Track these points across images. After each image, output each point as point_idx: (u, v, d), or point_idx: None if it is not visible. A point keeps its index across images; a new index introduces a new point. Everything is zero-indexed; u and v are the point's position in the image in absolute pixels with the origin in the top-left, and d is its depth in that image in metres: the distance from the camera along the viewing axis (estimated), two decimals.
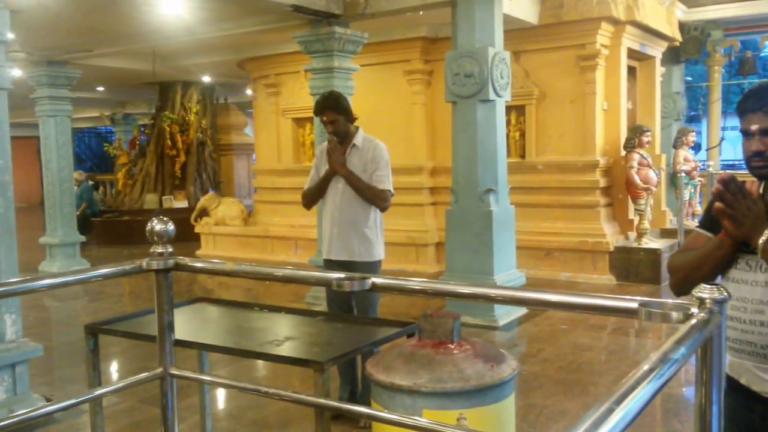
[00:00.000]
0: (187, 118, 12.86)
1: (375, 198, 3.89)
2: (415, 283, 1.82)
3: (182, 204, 12.43)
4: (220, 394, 4.32)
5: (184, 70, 11.19)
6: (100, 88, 13.45)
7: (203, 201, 10.54)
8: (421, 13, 6.99)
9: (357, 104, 7.30)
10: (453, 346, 1.92)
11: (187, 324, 2.18)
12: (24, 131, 17.94)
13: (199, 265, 2.01)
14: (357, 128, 4.02)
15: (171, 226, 2.03)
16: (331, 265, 4.03)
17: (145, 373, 2.07)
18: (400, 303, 6.68)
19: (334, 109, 3.90)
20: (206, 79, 12.42)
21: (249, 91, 13.18)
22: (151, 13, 6.77)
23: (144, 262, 2.01)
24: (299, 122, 9.76)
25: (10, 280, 3.55)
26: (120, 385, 2.07)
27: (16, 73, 8.57)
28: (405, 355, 1.89)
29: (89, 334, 2.26)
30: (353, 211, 3.91)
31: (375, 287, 1.72)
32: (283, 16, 6.58)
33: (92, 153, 22.53)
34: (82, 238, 9.40)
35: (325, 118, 3.91)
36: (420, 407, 1.74)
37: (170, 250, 2.02)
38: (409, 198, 8.67)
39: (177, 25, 7.28)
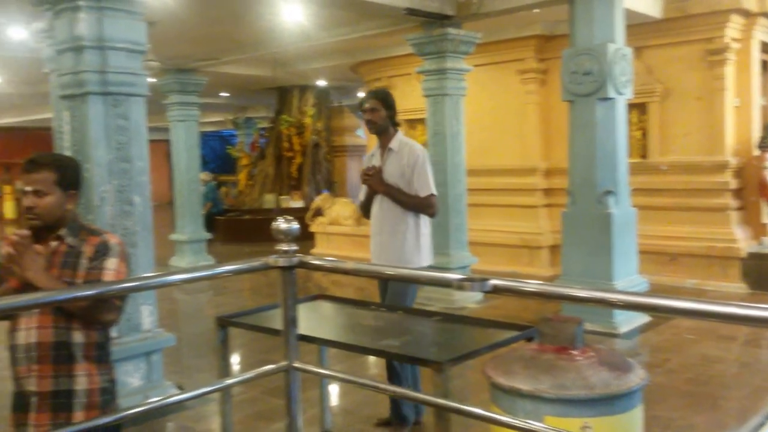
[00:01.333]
0: (303, 121, 13.30)
1: (420, 207, 3.77)
2: (535, 286, 1.79)
3: (298, 204, 12.87)
4: (335, 388, 4.44)
5: (302, 75, 11.58)
6: (225, 94, 14.18)
7: (318, 201, 10.86)
8: (535, 10, 6.85)
9: (469, 105, 7.30)
10: (576, 353, 1.87)
11: (307, 320, 2.26)
12: (155, 135, 19.21)
13: (322, 263, 2.08)
14: (396, 131, 3.92)
15: (296, 226, 2.12)
16: (382, 283, 3.96)
17: (271, 366, 2.17)
18: (512, 306, 6.58)
19: (379, 99, 3.82)
20: (321, 83, 12.80)
21: (361, 94, 13.45)
22: (273, 21, 7.07)
23: (270, 260, 2.11)
24: (411, 124, 9.84)
25: (149, 275, 3.85)
26: (248, 375, 2.18)
27: (150, 80, 9.21)
28: (525, 360, 1.86)
29: (220, 327, 2.39)
30: (393, 220, 3.81)
31: (496, 289, 1.72)
32: (396, 20, 6.67)
33: (216, 155, 23.74)
34: (208, 236, 9.96)
35: (367, 105, 3.82)
36: (542, 413, 1.71)
37: (295, 248, 2.11)
38: (522, 199, 8.52)
39: (296, 32, 7.56)
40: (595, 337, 5.34)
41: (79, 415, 2.25)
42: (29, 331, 2.25)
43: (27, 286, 2.16)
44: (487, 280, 1.69)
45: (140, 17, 4.22)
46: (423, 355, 1.98)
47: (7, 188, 19.79)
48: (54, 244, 2.33)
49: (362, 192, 4.00)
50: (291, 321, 2.11)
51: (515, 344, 2.25)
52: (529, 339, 2.21)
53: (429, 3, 6.24)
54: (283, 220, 2.12)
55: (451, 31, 6.54)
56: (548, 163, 8.50)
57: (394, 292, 3.65)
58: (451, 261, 6.85)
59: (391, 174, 3.77)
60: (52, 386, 2.24)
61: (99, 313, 2.26)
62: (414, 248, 3.77)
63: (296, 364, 2.10)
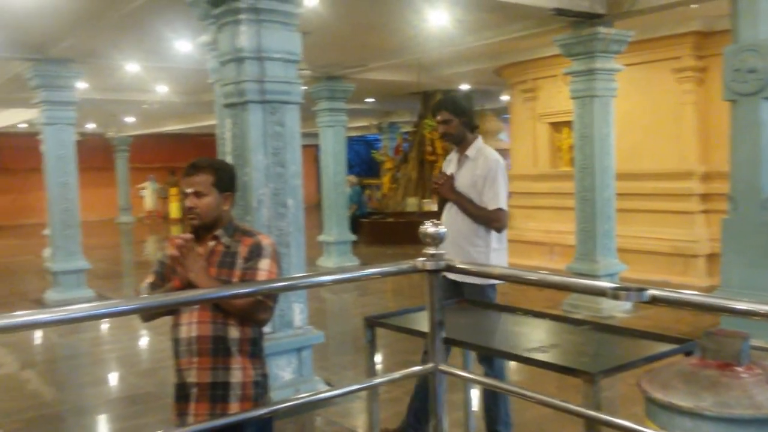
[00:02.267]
0: None
1: (486, 220, 3.56)
2: (697, 297, 1.69)
3: None
4: (476, 392, 4.42)
5: (445, 80, 11.65)
6: (370, 100, 14.56)
7: None
8: (694, 6, 6.42)
9: (619, 106, 6.98)
10: (741, 369, 1.74)
11: (452, 323, 2.28)
12: (304, 140, 20.07)
13: (468, 267, 2.09)
14: (475, 137, 3.73)
15: (443, 230, 2.14)
16: (445, 284, 3.91)
17: (418, 367, 2.21)
18: (665, 317, 6.21)
19: (449, 109, 3.62)
20: (464, 86, 12.79)
21: (504, 97, 13.28)
22: (419, 27, 7.18)
23: (418, 263, 2.14)
24: (556, 126, 9.59)
25: (300, 275, 4.04)
26: (395, 376, 2.23)
27: (302, 88, 9.68)
28: (684, 374, 1.76)
29: (368, 327, 2.47)
30: (461, 230, 3.61)
31: (654, 299, 1.64)
32: (543, 21, 6.54)
33: (361, 159, 24.43)
34: (354, 237, 10.29)
35: (439, 118, 3.66)
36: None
37: (442, 252, 2.13)
38: (677, 205, 8.02)
39: (441, 37, 7.62)
40: (761, 353, 4.90)
41: (234, 406, 2.38)
42: (190, 326, 2.40)
43: (188, 285, 2.32)
44: (644, 289, 1.62)
45: (295, 28, 4.44)
46: (573, 364, 1.92)
47: (173, 190, 21.58)
48: (211, 243, 2.48)
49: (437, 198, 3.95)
50: (437, 324, 2.13)
51: (672, 358, 2.13)
52: (688, 353, 2.08)
53: (579, 2, 6.06)
54: (430, 224, 2.15)
55: (602, 30, 6.30)
56: (706, 167, 7.94)
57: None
58: (599, 268, 6.59)
59: (464, 182, 3.62)
60: (211, 378, 2.38)
61: (252, 312, 2.37)
62: (485, 262, 3.54)
63: (442, 367, 2.12)
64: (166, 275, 2.50)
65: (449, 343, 2.21)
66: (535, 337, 2.35)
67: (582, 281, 1.78)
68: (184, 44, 7.40)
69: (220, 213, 2.48)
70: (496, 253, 3.62)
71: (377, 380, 2.29)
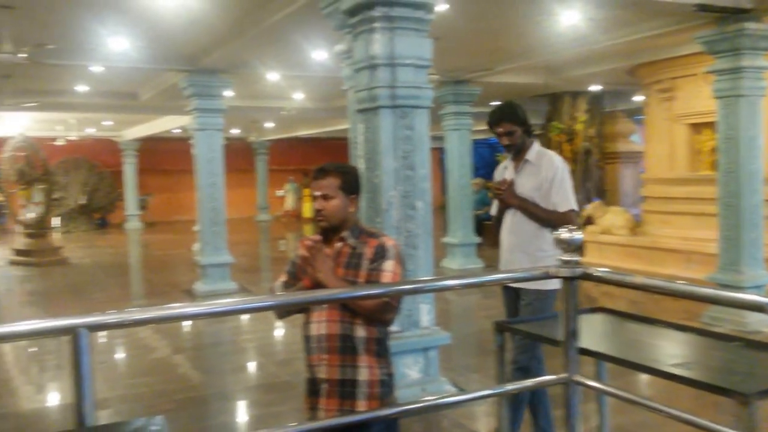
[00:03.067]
0: (574, 128, 12.98)
1: (558, 223, 3.33)
2: None
3: None
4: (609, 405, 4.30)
5: (574, 81, 11.33)
6: (495, 103, 14.39)
7: (589, 209, 10.55)
8: None
9: None
10: None
11: (586, 332, 2.24)
12: (429, 143, 20.29)
13: (607, 275, 2.06)
14: (532, 141, 3.59)
15: (579, 236, 2.11)
16: (508, 295, 3.66)
17: (551, 376, 2.18)
18: None
19: (511, 120, 3.53)
20: (594, 87, 12.37)
21: (638, 98, 12.69)
22: (548, 28, 7.06)
23: (552, 269, 2.14)
24: (696, 128, 9.06)
25: (425, 278, 4.12)
26: (528, 383, 2.24)
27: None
28: None
29: (498, 332, 2.49)
30: (524, 235, 3.52)
31: None
32: (684, 17, 6.22)
33: (484, 162, 24.21)
34: (478, 240, 10.26)
35: (500, 130, 3.55)
36: None
37: (577, 258, 2.11)
38: None
39: (570, 37, 7.45)
40: None
41: (362, 404, 2.47)
42: (320, 324, 2.51)
43: (317, 285, 2.43)
44: None
45: (426, 34, 4.53)
46: (724, 383, 1.80)
47: (306, 191, 22.51)
48: (338, 245, 2.57)
49: (494, 206, 3.79)
50: (572, 333, 2.10)
51: None
52: None
53: None
54: (565, 230, 2.13)
55: (749, 25, 5.91)
56: None
57: (534, 312, 3.41)
58: (744, 279, 6.18)
59: (526, 186, 3.53)
60: (339, 375, 2.48)
61: (378, 311, 2.44)
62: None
63: (577, 378, 2.09)
64: (297, 275, 2.61)
65: (584, 353, 2.18)
66: (676, 351, 2.27)
67: (737, 296, 1.70)
68: (320, 54, 7.72)
69: (347, 215, 2.58)
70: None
71: (509, 387, 2.29)
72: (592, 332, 2.42)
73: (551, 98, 13.19)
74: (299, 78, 9.81)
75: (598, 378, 2.46)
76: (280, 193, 23.93)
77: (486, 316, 6.89)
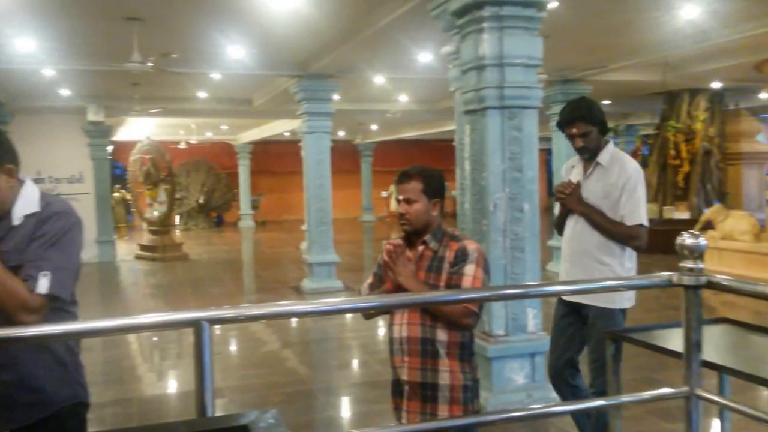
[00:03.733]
0: (692, 127, 12.31)
1: (623, 237, 3.12)
2: None
3: (683, 215, 11.96)
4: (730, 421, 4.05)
5: (694, 78, 10.75)
6: (606, 102, 13.94)
7: (709, 213, 9.96)
8: None
9: None
10: None
11: (708, 344, 2.12)
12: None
13: (735, 284, 1.94)
14: (607, 141, 3.28)
15: (704, 242, 1.99)
16: (563, 308, 3.36)
17: (670, 389, 2.06)
18: None
19: (586, 119, 3.18)
20: (715, 84, 11.68)
21: (764, 95, 11.87)
22: (668, 24, 6.74)
23: (674, 277, 2.02)
24: None
25: (535, 283, 4.04)
26: (644, 396, 2.13)
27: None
28: None
29: (612, 341, 2.40)
30: (589, 247, 3.19)
31: None
32: None
33: None
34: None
35: (574, 131, 3.22)
36: None
37: (701, 266, 1.99)
38: None
39: (691, 32, 7.08)
40: None
41: (443, 408, 2.46)
42: (402, 326, 2.52)
43: (399, 288, 2.45)
44: None
45: (536, 32, 4.45)
46: None
47: None
48: (421, 248, 2.56)
49: (556, 207, 3.52)
50: (695, 345, 1.97)
51: None
52: None
53: None
54: (689, 235, 2.02)
55: None
56: None
57: (595, 331, 3.17)
58: None
59: (594, 192, 3.22)
60: (420, 378, 2.47)
61: (456, 316, 2.42)
62: None
63: (699, 392, 1.98)
64: (383, 276, 2.62)
65: (708, 366, 2.06)
66: None
67: None
68: (426, 56, 7.76)
69: (429, 218, 2.56)
70: (628, 274, 3.22)
71: (624, 398, 2.18)
72: (715, 344, 2.29)
73: (668, 96, 12.57)
74: (404, 80, 9.90)
75: (720, 392, 2.32)
76: (384, 194, 24.25)
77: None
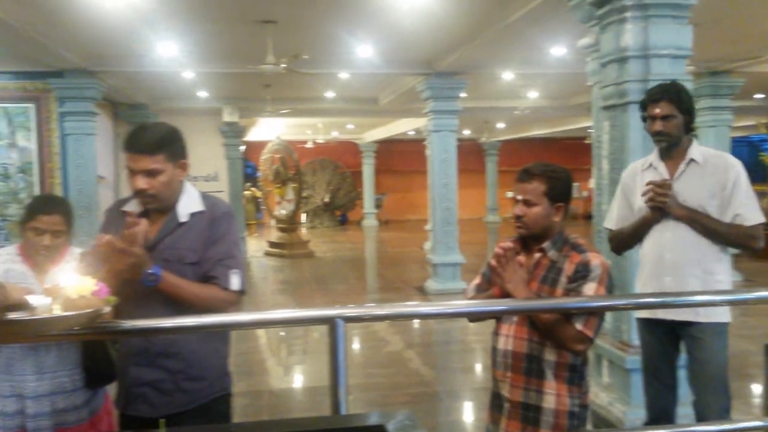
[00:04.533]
0: None
1: (743, 239, 2.81)
2: None
3: None
4: None
5: None
6: (760, 96, 12.82)
7: None
8: None
9: None
10: None
11: None
12: None
13: None
14: (691, 139, 2.95)
15: None
16: (654, 328, 2.97)
17: None
18: None
19: (674, 101, 2.87)
20: None
21: None
22: None
23: None
24: None
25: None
26: None
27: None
28: None
29: None
30: (692, 255, 2.84)
31: None
32: None
33: (743, 161, 21.77)
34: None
35: (657, 110, 2.89)
36: None
37: None
38: None
39: None
40: None
41: None
42: (507, 338, 2.32)
43: (507, 295, 2.23)
44: None
45: (686, 21, 4.11)
46: None
47: None
48: (537, 255, 2.32)
49: (614, 213, 3.15)
50: None
51: None
52: None
53: None
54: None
55: None
56: None
57: (706, 350, 2.82)
58: None
59: (695, 193, 2.87)
60: (522, 397, 2.26)
61: (567, 339, 2.19)
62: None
63: None
64: (492, 279, 2.41)
65: None
66: None
67: None
68: (559, 50, 7.45)
69: (550, 224, 2.31)
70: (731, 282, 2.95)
71: None
72: None
73: None
74: (534, 76, 9.59)
75: None
76: (509, 194, 23.76)
77: (744, 336, 6.12)
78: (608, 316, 4.60)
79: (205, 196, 2.31)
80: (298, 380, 5.84)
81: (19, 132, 7.87)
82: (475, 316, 2.57)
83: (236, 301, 2.20)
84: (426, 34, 6.94)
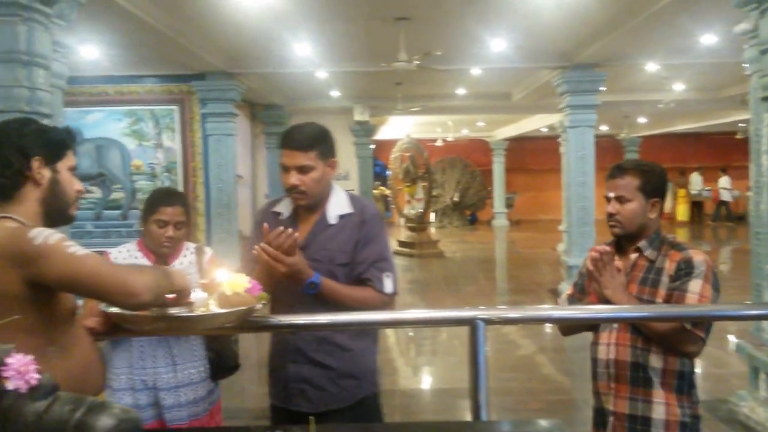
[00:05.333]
0: None
1: None
2: None
3: None
4: None
5: None
6: None
7: None
8: None
9: None
10: None
11: None
12: None
13: None
14: None
15: None
16: None
17: None
18: None
19: None
20: None
21: None
22: None
23: None
24: None
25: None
26: None
27: None
28: None
29: None
30: None
31: None
32: None
33: None
34: None
35: None
36: None
37: None
38: None
39: None
40: None
41: None
42: (609, 347, 2.19)
43: (605, 302, 2.12)
44: None
45: None
46: None
47: (681, 192, 20.67)
48: (633, 256, 2.22)
49: None
50: None
51: None
52: None
53: None
54: None
55: None
56: None
57: None
58: None
59: None
60: (629, 409, 2.14)
61: (676, 342, 2.07)
62: None
63: None
64: (585, 288, 2.30)
65: None
66: None
67: None
68: (710, 37, 6.92)
69: (645, 221, 2.21)
70: None
71: None
72: None
73: None
74: (681, 66, 8.93)
75: None
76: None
77: None
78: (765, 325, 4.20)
79: (353, 198, 2.34)
80: (427, 381, 5.79)
81: (164, 133, 8.40)
82: (567, 328, 2.40)
83: (390, 303, 2.23)
84: (564, 25, 6.64)
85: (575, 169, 8.42)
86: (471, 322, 1.71)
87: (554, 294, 8.86)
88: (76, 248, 1.54)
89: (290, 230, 2.06)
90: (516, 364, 5.92)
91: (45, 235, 1.52)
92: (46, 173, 1.67)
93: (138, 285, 1.52)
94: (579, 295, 2.35)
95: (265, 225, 2.12)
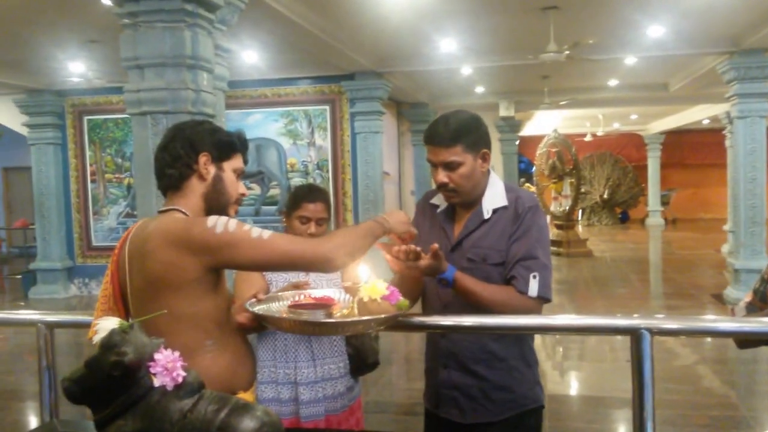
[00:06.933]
0: None
1: None
2: None
3: None
4: None
5: None
6: None
7: None
8: None
9: None
10: None
11: None
12: None
13: None
14: None
15: None
16: None
17: None
18: None
19: None
20: None
21: None
22: None
23: None
24: None
25: None
26: None
27: None
28: None
29: None
30: None
31: None
32: None
33: None
34: None
35: None
36: None
37: None
38: None
39: None
40: None
41: None
42: None
43: None
44: None
45: None
46: None
47: None
48: None
49: None
50: None
51: None
52: None
53: None
54: None
55: None
56: None
57: None
58: None
59: None
60: None
61: None
62: None
63: None
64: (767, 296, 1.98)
65: None
66: None
67: None
68: None
69: None
70: None
71: None
72: None
73: None
74: None
75: None
76: None
77: None
78: None
79: (510, 189, 2.11)
80: (574, 387, 5.53)
81: (317, 132, 8.75)
82: (746, 340, 2.05)
83: (534, 309, 1.96)
84: (731, 6, 6.06)
85: (744, 163, 7.70)
86: (635, 332, 1.54)
87: (718, 300, 8.13)
88: (257, 231, 1.62)
89: (408, 247, 1.86)
90: (676, 374, 5.48)
91: (223, 223, 1.60)
92: (211, 169, 1.75)
93: (327, 251, 1.62)
94: (761, 304, 2.05)
95: (413, 230, 1.94)
